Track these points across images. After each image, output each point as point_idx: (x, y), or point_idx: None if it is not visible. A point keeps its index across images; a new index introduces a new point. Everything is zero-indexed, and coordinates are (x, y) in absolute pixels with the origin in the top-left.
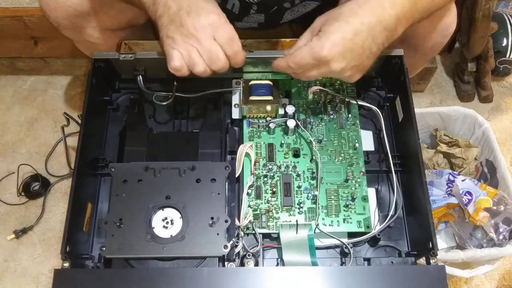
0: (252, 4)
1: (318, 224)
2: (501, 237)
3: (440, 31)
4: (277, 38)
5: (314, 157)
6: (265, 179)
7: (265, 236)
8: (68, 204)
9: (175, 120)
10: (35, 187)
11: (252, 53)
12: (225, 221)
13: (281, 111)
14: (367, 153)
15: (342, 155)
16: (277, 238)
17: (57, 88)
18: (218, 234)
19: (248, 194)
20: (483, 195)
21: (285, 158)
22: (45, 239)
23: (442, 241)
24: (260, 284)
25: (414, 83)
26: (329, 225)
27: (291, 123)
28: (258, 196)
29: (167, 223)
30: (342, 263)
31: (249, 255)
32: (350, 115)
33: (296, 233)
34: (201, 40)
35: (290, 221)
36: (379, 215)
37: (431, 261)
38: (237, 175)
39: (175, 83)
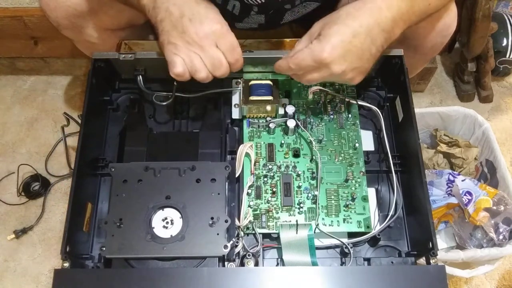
0: (252, 5)
1: (318, 224)
2: (501, 237)
3: (440, 32)
4: (277, 38)
5: (314, 157)
6: (265, 179)
7: (265, 236)
8: (68, 204)
9: (175, 120)
10: (35, 187)
11: (252, 53)
12: (225, 221)
13: (281, 111)
14: (367, 153)
15: (342, 155)
16: (277, 238)
17: (57, 88)
18: (218, 234)
19: (248, 194)
20: (483, 195)
21: (285, 158)
22: (45, 239)
23: (442, 241)
24: (260, 284)
25: (414, 83)
26: (329, 225)
27: (291, 123)
28: (258, 196)
29: (167, 223)
30: (342, 263)
31: (249, 255)
32: (350, 115)
33: (296, 233)
34: (204, 47)
35: (290, 221)
36: (379, 215)
37: (431, 261)
38: (237, 175)
39: (175, 83)
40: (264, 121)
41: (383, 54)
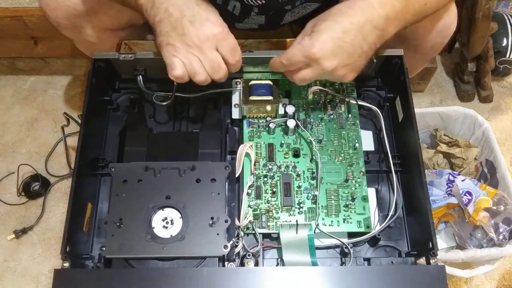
0: (253, 6)
1: (318, 224)
2: (501, 237)
3: (440, 32)
4: (277, 38)
5: (314, 157)
6: (265, 179)
7: (265, 236)
8: (68, 204)
9: (175, 120)
10: (35, 187)
11: (252, 53)
12: (225, 221)
13: (281, 111)
14: (367, 153)
15: (342, 155)
16: (277, 238)
17: (57, 88)
18: (218, 234)
19: (248, 194)
20: (483, 195)
21: (285, 158)
22: (45, 239)
23: (442, 241)
24: (260, 284)
25: (414, 83)
26: (329, 225)
27: (291, 123)
28: (258, 196)
29: (167, 223)
30: (342, 263)
31: (249, 255)
32: (350, 115)
33: (296, 233)
34: (204, 50)
35: (290, 221)
36: (379, 215)
37: (431, 261)
38: (237, 175)
39: (175, 83)
40: (264, 121)
41: (383, 54)
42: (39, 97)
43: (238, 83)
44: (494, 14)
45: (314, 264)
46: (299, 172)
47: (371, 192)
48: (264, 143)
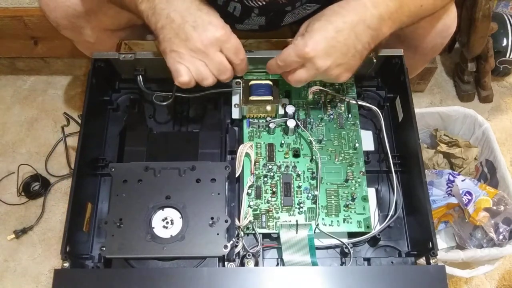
0: (253, 7)
1: (318, 224)
2: (501, 237)
3: (440, 32)
4: (277, 38)
5: (314, 157)
6: (265, 179)
7: (265, 236)
8: (68, 204)
9: (175, 120)
10: (35, 187)
11: (252, 53)
12: (225, 221)
13: (281, 111)
14: (367, 153)
15: (342, 155)
16: (277, 238)
17: (57, 88)
18: (218, 234)
19: (248, 194)
20: (483, 195)
21: (285, 158)
22: (45, 239)
23: (442, 241)
24: (260, 284)
25: (414, 83)
26: (329, 225)
27: (291, 123)
28: (258, 196)
29: (167, 223)
30: (342, 263)
31: (249, 255)
32: (350, 115)
33: (296, 233)
34: (209, 54)
35: (290, 221)
36: (379, 215)
37: (431, 261)
38: (237, 175)
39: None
40: (264, 121)
41: (383, 54)
42: (39, 97)
43: (238, 83)
44: (494, 14)
45: (314, 264)
46: (299, 172)
47: (371, 192)
48: (264, 143)
